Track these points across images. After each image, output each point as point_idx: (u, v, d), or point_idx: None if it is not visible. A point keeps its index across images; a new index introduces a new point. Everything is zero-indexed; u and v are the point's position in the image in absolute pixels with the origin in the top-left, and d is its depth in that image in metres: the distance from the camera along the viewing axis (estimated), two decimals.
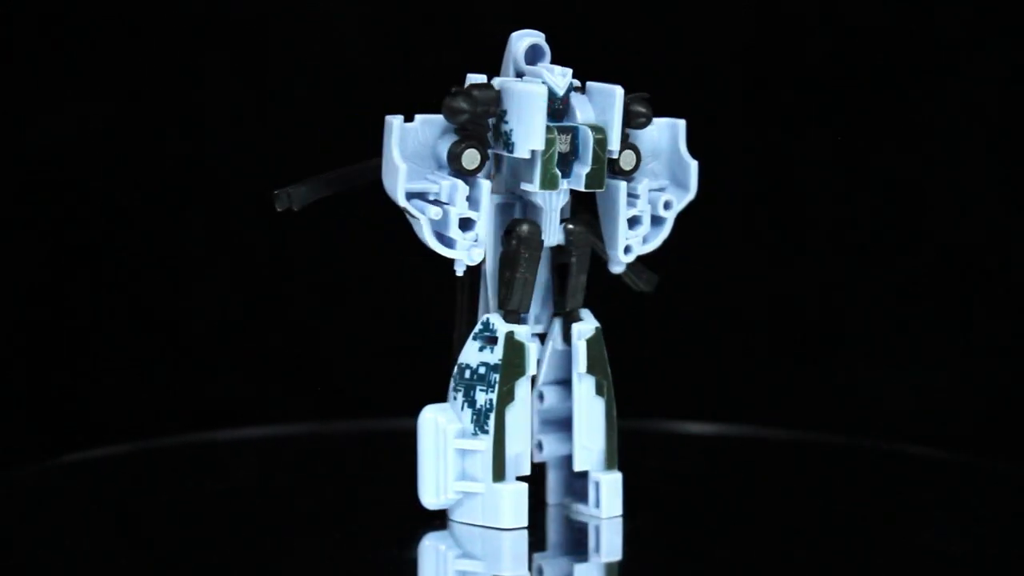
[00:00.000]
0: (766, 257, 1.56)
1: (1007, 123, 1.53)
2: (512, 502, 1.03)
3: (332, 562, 1.00)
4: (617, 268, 1.06)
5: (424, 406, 1.04)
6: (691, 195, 1.07)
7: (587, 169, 1.02)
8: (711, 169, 1.08)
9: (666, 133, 1.07)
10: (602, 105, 1.04)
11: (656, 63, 1.52)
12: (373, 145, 1.02)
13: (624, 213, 1.05)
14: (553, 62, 1.04)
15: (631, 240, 1.05)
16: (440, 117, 1.02)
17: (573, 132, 1.03)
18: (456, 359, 1.05)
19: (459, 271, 1.03)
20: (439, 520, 1.05)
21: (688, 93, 1.51)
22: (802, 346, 1.57)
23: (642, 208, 1.05)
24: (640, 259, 1.07)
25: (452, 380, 1.04)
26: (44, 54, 1.51)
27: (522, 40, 1.04)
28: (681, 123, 1.07)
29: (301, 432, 1.33)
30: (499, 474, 1.03)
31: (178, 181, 1.54)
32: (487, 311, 1.05)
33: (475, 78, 1.03)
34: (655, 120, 1.06)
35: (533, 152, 1.02)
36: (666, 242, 1.07)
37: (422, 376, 1.09)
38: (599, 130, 1.03)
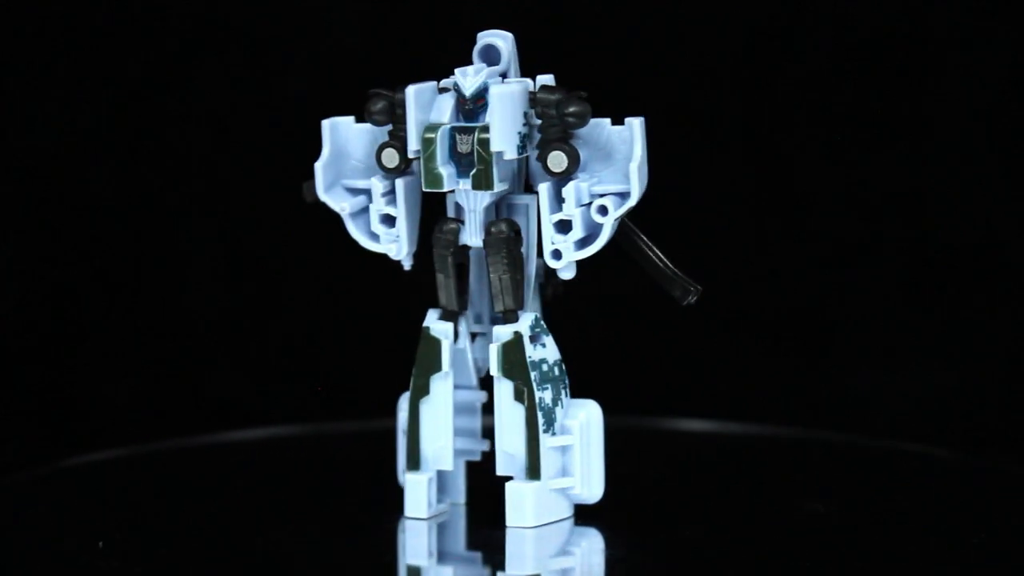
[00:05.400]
0: (765, 257, 1.56)
1: (1007, 123, 1.53)
2: (411, 492, 1.06)
3: (327, 559, 1.00)
4: (564, 275, 1.05)
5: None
6: (631, 200, 1.03)
7: (472, 170, 1.03)
8: (711, 168, 1.08)
9: (633, 133, 1.04)
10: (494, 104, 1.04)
11: (656, 63, 1.52)
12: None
13: (547, 216, 1.03)
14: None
15: (559, 244, 1.03)
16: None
17: (475, 132, 1.03)
18: None
19: (406, 266, 1.05)
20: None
21: (688, 93, 1.51)
22: (802, 345, 1.57)
23: (570, 212, 1.03)
24: (672, 266, 1.06)
25: None
26: (42, 53, 1.51)
27: (479, 40, 1.05)
28: (636, 122, 1.03)
29: (302, 433, 1.33)
30: (412, 464, 1.05)
31: (178, 181, 1.54)
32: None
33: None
34: (628, 120, 1.04)
35: (415, 152, 1.03)
36: (665, 241, 1.06)
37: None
38: (484, 129, 1.02)
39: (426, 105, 1.04)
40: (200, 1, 1.53)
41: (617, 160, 1.04)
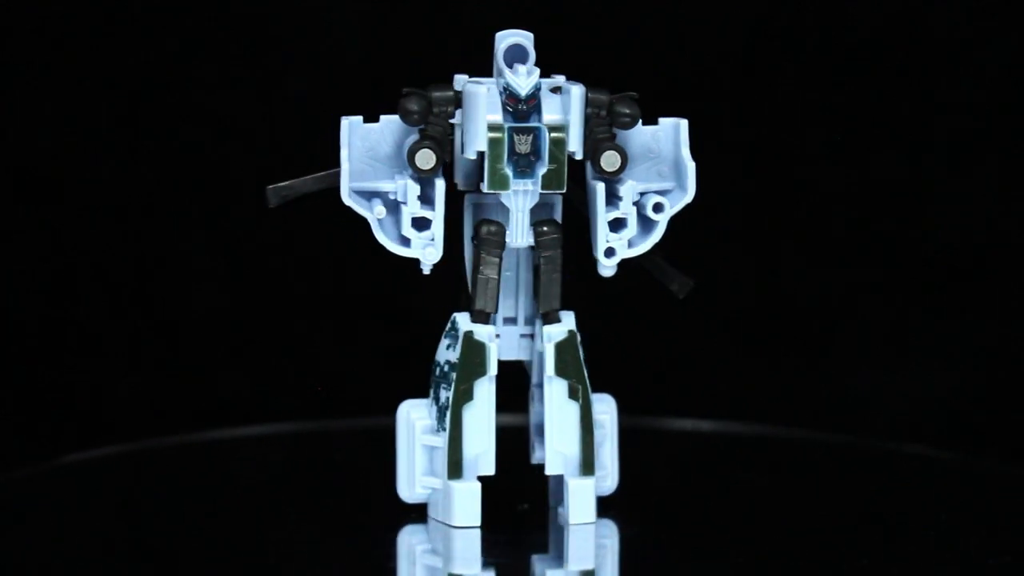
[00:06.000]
0: (765, 257, 1.56)
1: (1007, 123, 1.53)
2: (462, 501, 1.04)
3: (317, 556, 1.00)
4: (605, 272, 1.05)
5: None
6: (688, 197, 1.05)
7: (544, 170, 1.02)
8: (711, 169, 1.08)
9: (670, 134, 1.06)
10: (568, 105, 1.03)
11: (656, 63, 1.52)
12: None
13: (603, 215, 1.04)
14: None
15: (613, 243, 1.04)
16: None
17: (534, 133, 1.02)
18: None
19: (425, 270, 1.04)
20: (417, 514, 1.05)
21: (688, 93, 1.51)
22: (802, 345, 1.57)
23: (626, 210, 1.04)
24: (668, 261, 1.07)
25: (430, 376, 1.05)
26: (42, 53, 1.51)
27: (504, 40, 1.04)
28: (683, 123, 1.05)
29: (301, 431, 1.33)
30: (455, 472, 1.04)
31: (178, 181, 1.54)
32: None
33: (460, 79, 1.04)
34: (661, 121, 1.05)
35: (479, 153, 1.02)
36: (665, 242, 1.06)
37: (421, 376, 1.09)
38: (558, 130, 1.02)
39: None
40: (200, 1, 1.53)
41: (650, 159, 1.05)
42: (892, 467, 1.24)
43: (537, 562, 1.01)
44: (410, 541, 1.04)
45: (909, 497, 1.15)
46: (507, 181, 1.02)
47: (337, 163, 1.06)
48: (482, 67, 1.05)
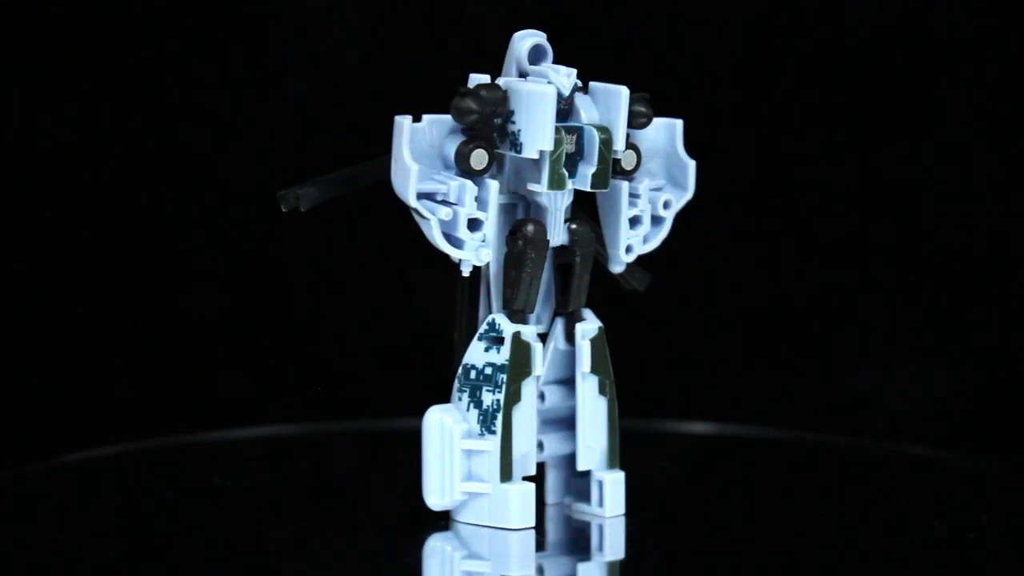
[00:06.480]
0: (765, 257, 1.56)
1: (1008, 123, 1.53)
2: (520, 502, 1.03)
3: (335, 564, 1.00)
4: (617, 268, 1.06)
5: (428, 407, 1.04)
6: (689, 194, 1.07)
7: (593, 169, 1.03)
8: (711, 169, 1.08)
9: (663, 133, 1.07)
10: (607, 105, 1.04)
11: (656, 63, 1.52)
12: (372, 145, 1.02)
13: (626, 213, 1.05)
14: (554, 62, 1.04)
15: (632, 240, 1.05)
16: (448, 117, 1.02)
17: (578, 132, 1.03)
18: (457, 360, 1.05)
19: (465, 272, 1.03)
20: (443, 521, 1.05)
21: (688, 93, 1.51)
22: (802, 345, 1.57)
23: (643, 208, 1.05)
24: (636, 258, 1.07)
25: (456, 381, 1.04)
26: (42, 53, 1.51)
27: (525, 40, 1.04)
28: (678, 123, 1.07)
29: (301, 432, 1.33)
30: (507, 474, 1.03)
31: (178, 181, 1.54)
32: (488, 312, 1.05)
33: (477, 78, 1.03)
34: (653, 120, 1.06)
35: (541, 152, 1.02)
36: (665, 242, 1.07)
37: (421, 377, 1.09)
38: (605, 130, 1.02)
39: None
40: (200, 1, 1.53)
41: (659, 157, 1.07)
42: (892, 467, 1.24)
43: (547, 559, 1.01)
44: (443, 547, 1.03)
45: (909, 497, 1.15)
46: (564, 180, 1.02)
47: (345, 163, 1.05)
48: (481, 67, 1.05)
